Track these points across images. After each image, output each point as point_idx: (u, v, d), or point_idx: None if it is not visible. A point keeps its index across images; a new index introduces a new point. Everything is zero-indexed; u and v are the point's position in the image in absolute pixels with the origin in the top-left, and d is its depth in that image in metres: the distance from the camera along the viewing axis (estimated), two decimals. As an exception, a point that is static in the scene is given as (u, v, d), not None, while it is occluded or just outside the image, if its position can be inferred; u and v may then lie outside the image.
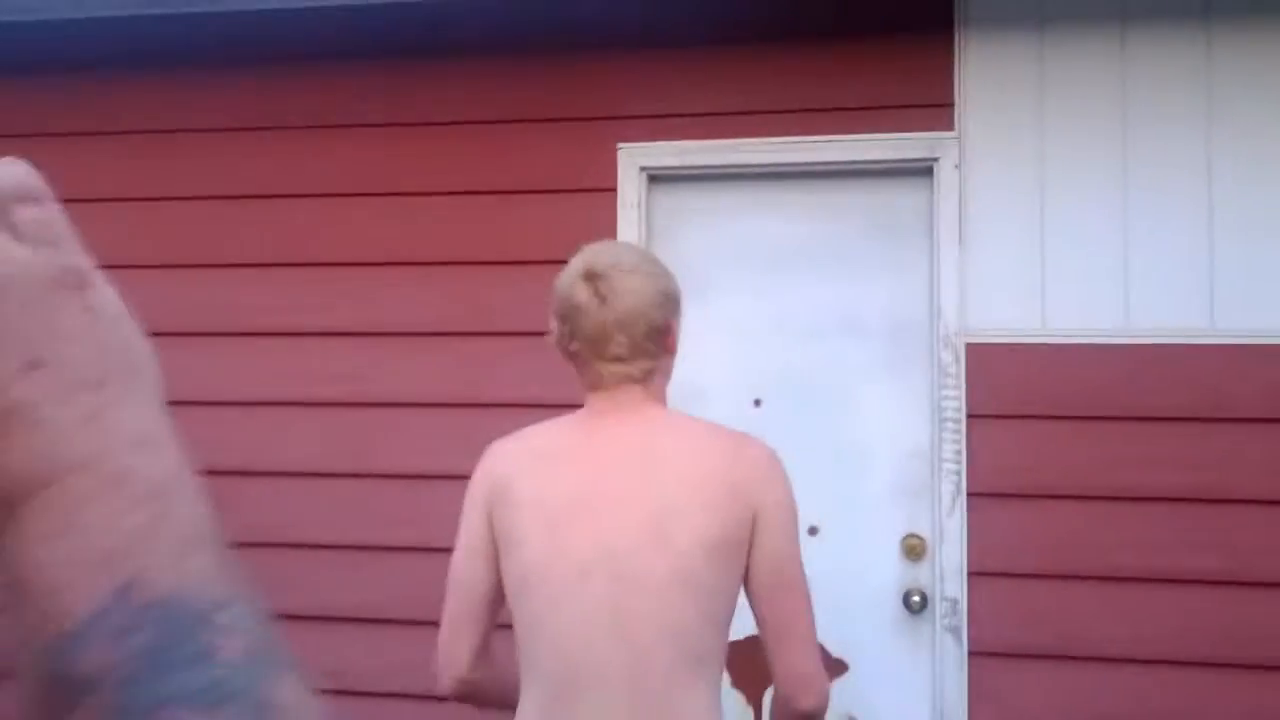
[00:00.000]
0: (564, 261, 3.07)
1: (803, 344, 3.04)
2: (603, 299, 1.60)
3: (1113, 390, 2.86)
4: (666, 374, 1.69)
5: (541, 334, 3.09)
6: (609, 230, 3.09)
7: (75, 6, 3.12)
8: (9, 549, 0.35)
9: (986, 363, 2.91)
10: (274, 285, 3.23)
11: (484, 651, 1.63)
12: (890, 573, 2.95)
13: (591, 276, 1.62)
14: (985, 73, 2.99)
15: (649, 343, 1.62)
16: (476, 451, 3.08)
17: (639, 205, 3.08)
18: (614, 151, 3.12)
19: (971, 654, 2.85)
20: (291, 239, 3.24)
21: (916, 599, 2.91)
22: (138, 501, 0.35)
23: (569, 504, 1.55)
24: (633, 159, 3.10)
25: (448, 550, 3.02)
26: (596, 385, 1.65)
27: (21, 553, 0.34)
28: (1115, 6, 2.94)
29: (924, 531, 2.95)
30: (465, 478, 3.09)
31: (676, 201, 3.14)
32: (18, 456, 0.35)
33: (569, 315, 1.64)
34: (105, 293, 0.40)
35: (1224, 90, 2.89)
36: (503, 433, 3.06)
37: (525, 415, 3.08)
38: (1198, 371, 2.83)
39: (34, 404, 0.35)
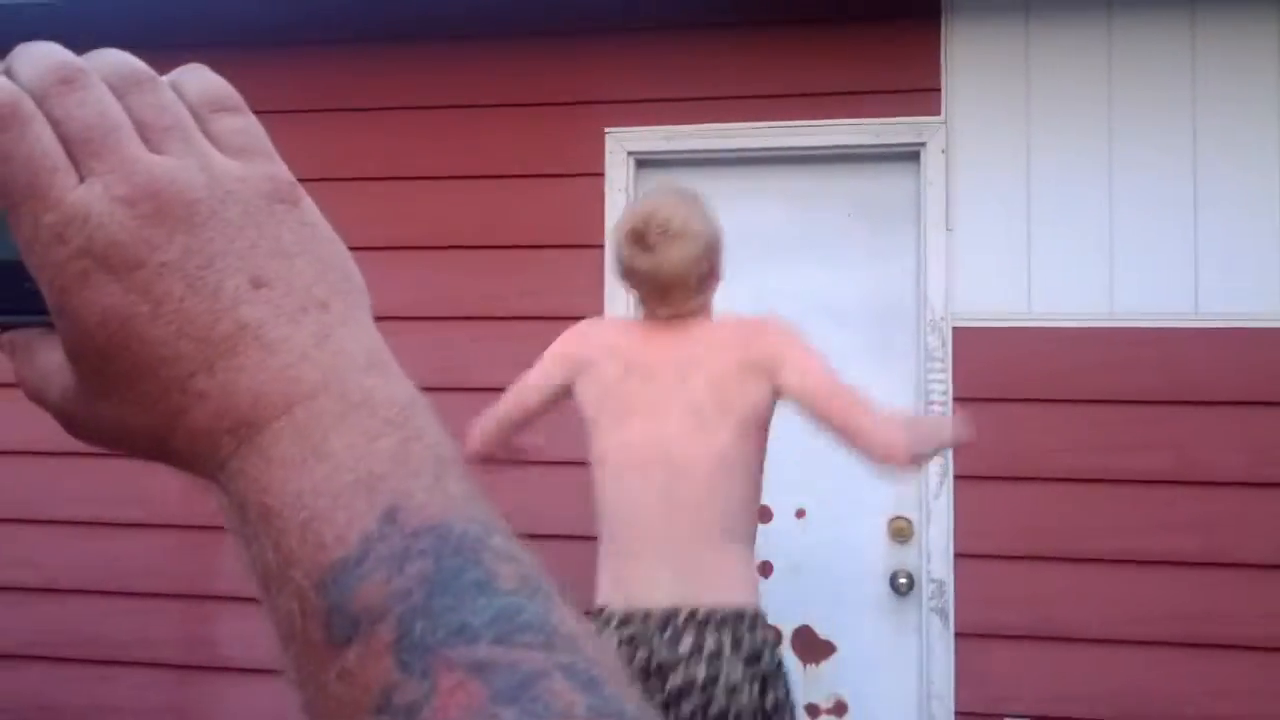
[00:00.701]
0: (553, 246, 3.09)
1: (790, 328, 3.05)
2: (655, 264, 1.98)
3: (1098, 373, 2.88)
4: (712, 294, 2.09)
5: (533, 318, 3.09)
6: (596, 215, 3.09)
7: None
8: (251, 475, 0.33)
9: (973, 346, 2.92)
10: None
11: (499, 438, 2.12)
12: (877, 555, 2.97)
13: (641, 241, 1.99)
14: (972, 58, 3.00)
15: (696, 290, 2.02)
16: (452, 437, 3.07)
17: (627, 190, 3.08)
18: (601, 136, 3.12)
19: (958, 635, 2.87)
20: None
21: (903, 581, 2.92)
22: (384, 424, 0.33)
23: (631, 401, 1.98)
24: (620, 143, 3.10)
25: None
26: (654, 314, 2.06)
27: (268, 479, 0.32)
28: (1101, -8, 2.96)
29: (910, 514, 2.96)
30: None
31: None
32: (253, 377, 0.33)
33: (626, 275, 2.05)
34: (314, 207, 0.38)
35: (1208, 76, 2.91)
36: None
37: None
38: (1181, 355, 2.85)
39: (263, 323, 0.33)
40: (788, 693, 1.97)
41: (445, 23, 3.22)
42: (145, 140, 0.34)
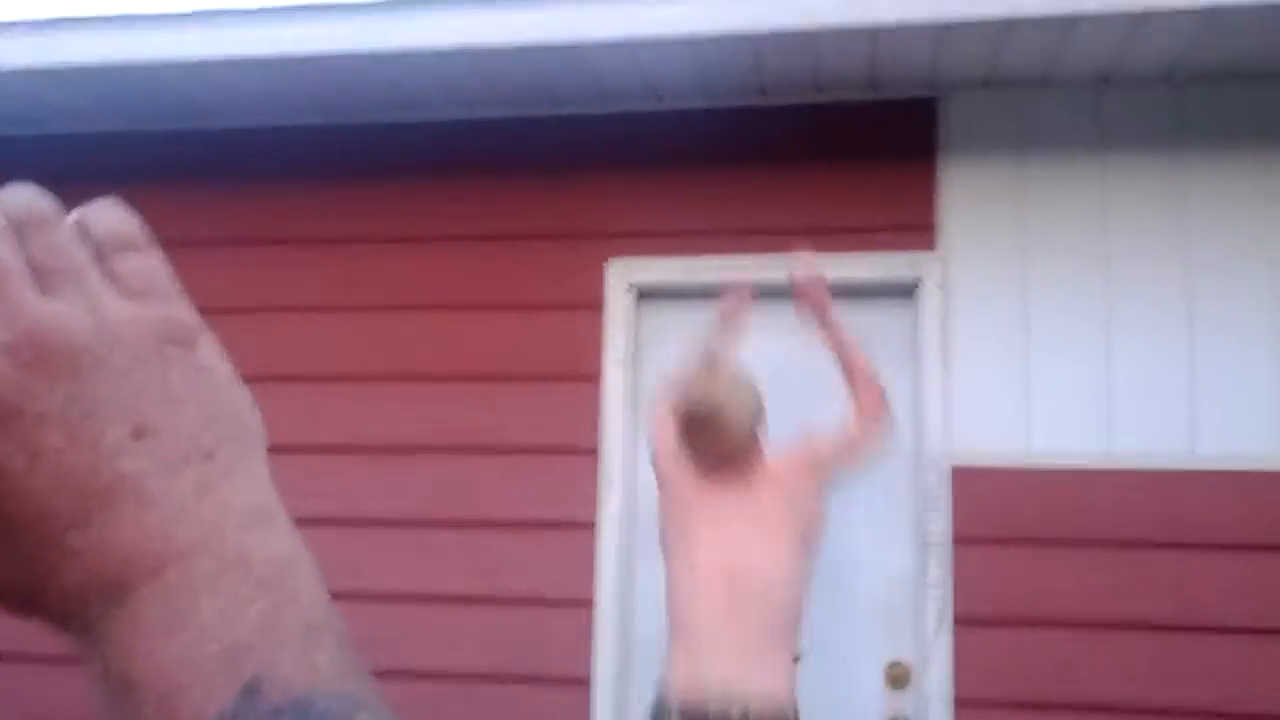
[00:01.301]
0: (553, 378, 3.09)
1: (787, 463, 3.02)
2: (723, 436, 2.37)
3: (1097, 516, 2.84)
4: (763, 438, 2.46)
5: (531, 451, 3.07)
6: (596, 346, 3.09)
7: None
8: (115, 640, 0.31)
9: (971, 486, 2.90)
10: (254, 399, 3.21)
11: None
12: (874, 701, 2.90)
13: (710, 419, 2.36)
14: (967, 195, 3.03)
15: (752, 448, 2.42)
16: (454, 571, 3.05)
17: (626, 322, 3.08)
18: (602, 267, 3.14)
19: (958, 786, 2.78)
20: (271, 353, 3.22)
21: (901, 728, 2.85)
22: (257, 586, 0.32)
23: (705, 510, 2.36)
24: (621, 275, 3.11)
25: (413, 674, 2.95)
26: (719, 468, 2.41)
27: (131, 646, 0.31)
28: (1094, 134, 3.01)
29: (908, 658, 2.90)
30: (441, 599, 3.04)
31: (665, 317, 3.15)
32: (127, 535, 0.32)
33: (696, 445, 2.39)
34: (213, 350, 0.37)
35: (1201, 216, 2.93)
36: (477, 552, 3.03)
37: (507, 534, 3.05)
38: (1180, 498, 2.82)
39: (143, 475, 0.32)
40: None
41: (449, 158, 3.26)
42: (39, 283, 0.33)
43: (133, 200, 0.36)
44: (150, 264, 0.36)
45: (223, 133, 3.38)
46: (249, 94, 3.17)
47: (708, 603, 2.27)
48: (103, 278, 0.35)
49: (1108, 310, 2.93)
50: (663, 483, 2.46)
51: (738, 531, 2.31)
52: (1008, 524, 2.87)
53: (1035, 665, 2.81)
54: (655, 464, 2.51)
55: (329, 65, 2.97)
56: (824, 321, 2.54)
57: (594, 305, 3.13)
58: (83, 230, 0.35)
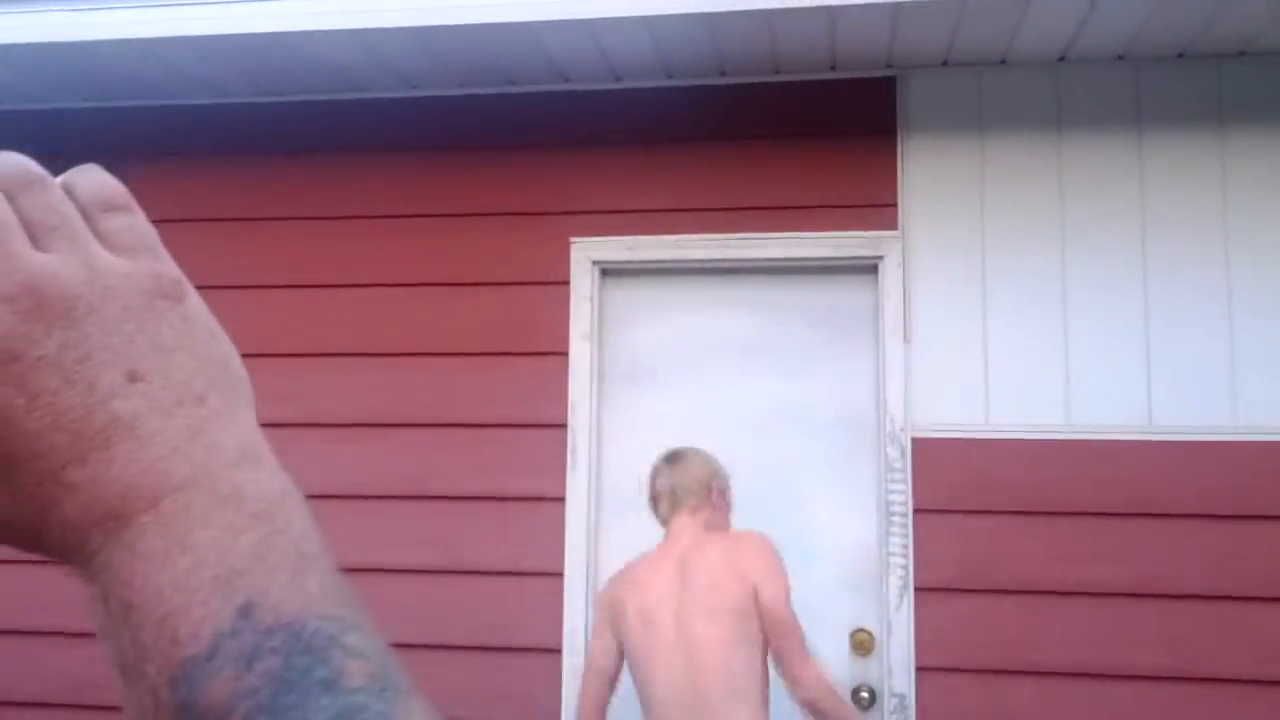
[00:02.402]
0: (519, 353, 3.12)
1: (751, 438, 3.07)
2: (671, 480, 2.55)
3: (1054, 485, 2.90)
4: (718, 511, 2.56)
5: (497, 425, 3.09)
6: (561, 322, 3.12)
7: None
8: (115, 569, 0.33)
9: (932, 458, 2.95)
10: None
11: (607, 705, 2.50)
12: (838, 668, 2.94)
13: (661, 471, 2.57)
14: (927, 173, 3.08)
15: (699, 498, 2.53)
16: (419, 544, 3.07)
17: (592, 298, 3.12)
18: (567, 245, 3.17)
19: (920, 751, 2.83)
20: (230, 330, 3.22)
21: (865, 695, 2.90)
22: (250, 518, 0.34)
23: (654, 609, 2.41)
24: (586, 253, 3.14)
25: (400, 645, 2.97)
26: (669, 521, 2.55)
27: (131, 573, 0.33)
28: (1052, 112, 3.06)
29: (872, 626, 2.95)
30: (398, 571, 3.06)
31: (628, 295, 3.19)
32: (122, 471, 0.34)
33: (653, 495, 2.58)
34: (199, 303, 0.39)
35: (1156, 193, 3.00)
36: (450, 527, 3.06)
37: (472, 508, 3.08)
38: (1136, 468, 2.88)
39: (137, 416, 0.34)
40: None
41: (414, 135, 3.28)
42: (32, 239, 0.35)
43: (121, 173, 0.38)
44: (136, 222, 0.38)
45: (180, 110, 3.38)
46: (199, 72, 3.17)
47: (669, 675, 2.36)
48: (92, 235, 0.36)
49: (1064, 285, 2.99)
50: (620, 598, 2.49)
51: (688, 615, 2.38)
52: (967, 494, 2.93)
53: (995, 632, 2.86)
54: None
55: (288, 43, 2.98)
56: None
57: (559, 282, 3.15)
58: (68, 193, 0.37)
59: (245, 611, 0.32)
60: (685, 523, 2.51)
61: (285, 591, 0.33)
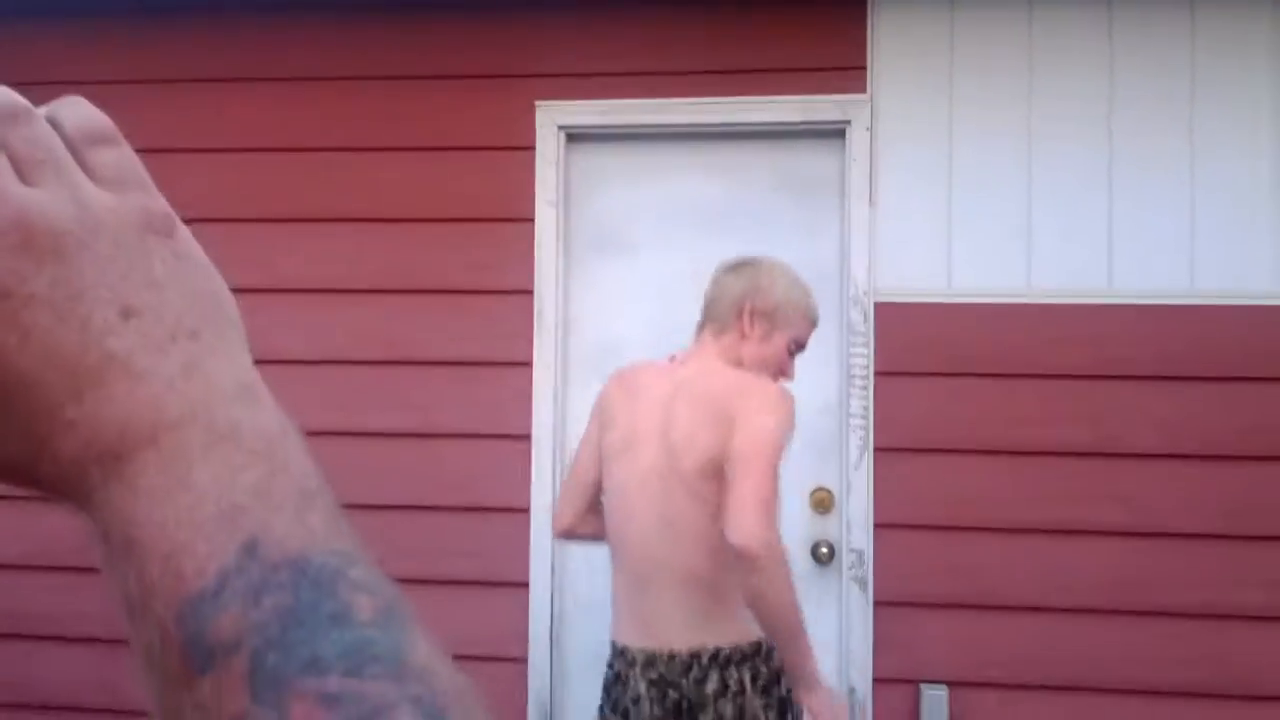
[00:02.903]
0: (484, 219, 3.11)
1: (718, 303, 3.09)
2: (711, 291, 2.24)
3: (1015, 349, 2.95)
4: (748, 342, 2.17)
5: (459, 292, 3.10)
6: (527, 188, 3.11)
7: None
8: (116, 506, 0.33)
9: (894, 321, 2.98)
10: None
11: (584, 513, 2.26)
12: (799, 525, 3.02)
13: (713, 279, 2.27)
14: (898, 37, 3.04)
15: (724, 321, 2.18)
16: (391, 407, 3.11)
17: (557, 163, 3.09)
18: (532, 109, 3.13)
19: (877, 604, 2.93)
20: (192, 194, 3.20)
21: (824, 551, 2.98)
22: (250, 455, 0.34)
23: (635, 435, 2.14)
24: (551, 117, 3.11)
25: (369, 506, 3.04)
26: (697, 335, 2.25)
27: (133, 510, 0.32)
28: (1023, -26, 3.01)
29: (832, 485, 3.02)
30: (382, 434, 3.11)
31: (594, 160, 3.16)
32: (119, 408, 0.33)
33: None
34: (189, 238, 0.38)
35: (1125, 59, 2.97)
36: (418, 392, 3.09)
37: (440, 371, 3.10)
38: (1096, 331, 2.93)
39: (132, 353, 0.34)
40: (796, 716, 2.09)
41: (375, -6, 3.21)
42: (18, 173, 0.34)
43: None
44: (123, 156, 0.37)
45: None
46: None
47: (645, 532, 2.11)
48: (80, 170, 0.36)
49: (1029, 151, 2.98)
50: (607, 402, 2.27)
51: (660, 450, 2.10)
52: (928, 357, 2.97)
53: (951, 491, 2.94)
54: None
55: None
56: None
57: (524, 147, 3.12)
58: (53, 125, 0.36)
59: (250, 548, 0.32)
60: (705, 344, 2.19)
61: (288, 528, 0.33)
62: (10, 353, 0.33)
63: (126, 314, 0.34)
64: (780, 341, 2.17)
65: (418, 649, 0.32)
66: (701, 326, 2.21)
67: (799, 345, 2.21)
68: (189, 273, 0.37)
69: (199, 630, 0.31)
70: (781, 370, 2.19)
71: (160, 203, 0.37)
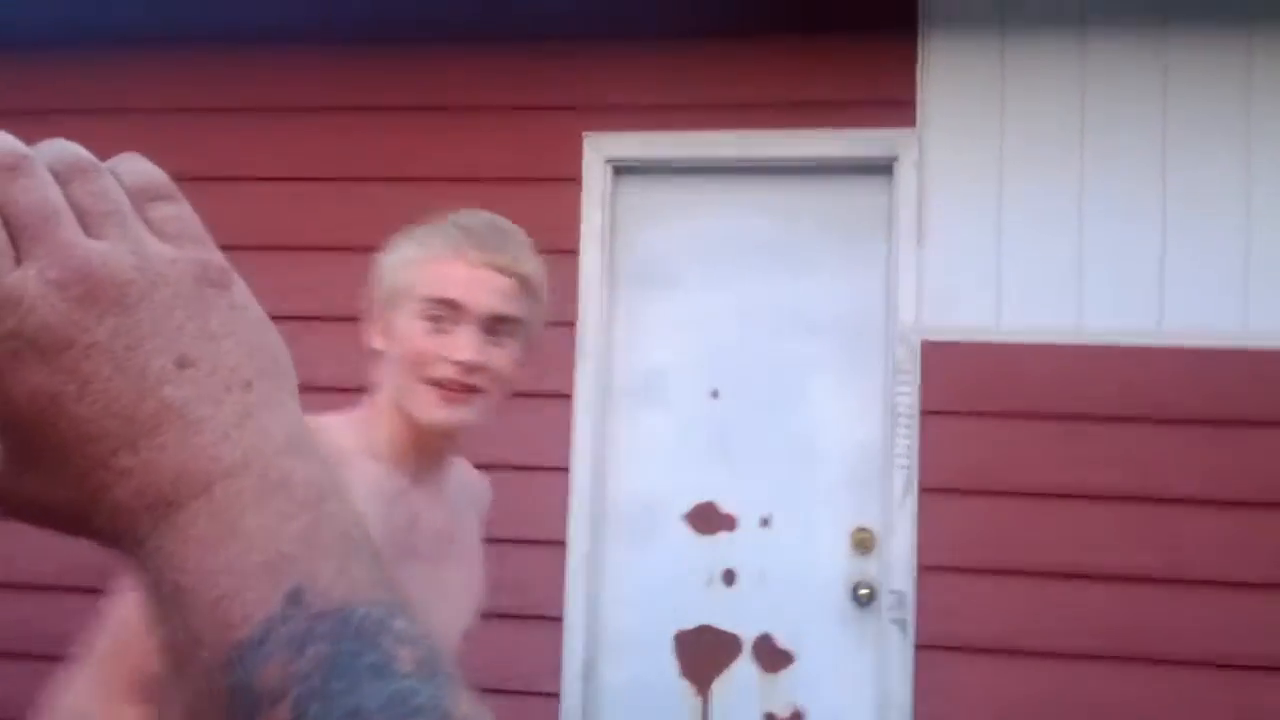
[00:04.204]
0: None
1: (762, 337, 3.07)
2: None
3: (1064, 390, 2.89)
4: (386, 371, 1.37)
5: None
6: (573, 220, 3.11)
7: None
8: (166, 553, 0.33)
9: (941, 360, 2.94)
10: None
11: None
12: (839, 565, 2.98)
13: None
14: (947, 71, 3.02)
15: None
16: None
17: (603, 196, 3.09)
18: (580, 141, 3.13)
19: (918, 647, 2.88)
20: (244, 223, 3.23)
21: (865, 592, 2.94)
22: (299, 506, 0.35)
23: None
24: (598, 149, 3.11)
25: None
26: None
27: (183, 557, 0.33)
28: (1075, 10, 2.98)
29: (874, 525, 2.98)
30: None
31: (641, 193, 3.16)
32: (173, 456, 0.34)
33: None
34: (245, 291, 0.39)
35: (1179, 94, 2.92)
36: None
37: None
38: (1146, 373, 2.87)
39: (187, 402, 0.34)
40: None
41: (425, 27, 3.23)
42: (84, 226, 0.35)
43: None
44: (182, 211, 0.38)
45: None
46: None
47: None
48: (142, 223, 0.37)
49: (1081, 188, 2.94)
50: None
51: None
52: (975, 397, 2.92)
53: (996, 533, 2.88)
54: None
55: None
56: None
57: (571, 179, 3.13)
58: (116, 179, 0.37)
59: (295, 597, 0.32)
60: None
61: (333, 578, 0.33)
62: (69, 401, 0.34)
63: (183, 364, 0.35)
64: (404, 320, 1.33)
65: (459, 701, 0.32)
66: None
67: (446, 303, 1.30)
68: (245, 325, 0.37)
69: (245, 679, 0.31)
70: (420, 359, 1.30)
71: (217, 256, 0.38)
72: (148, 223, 0.37)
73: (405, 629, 0.33)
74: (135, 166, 0.39)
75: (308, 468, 0.36)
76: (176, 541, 0.33)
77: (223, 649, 0.32)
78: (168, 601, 0.33)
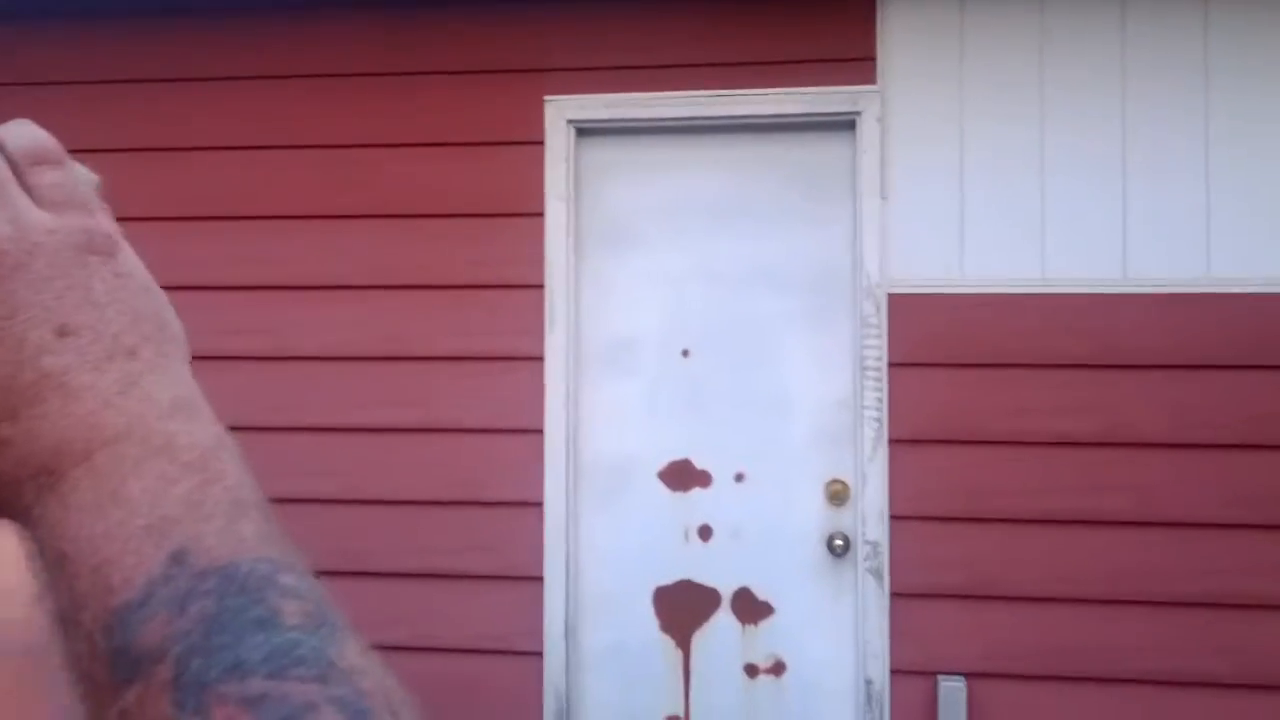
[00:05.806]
0: (493, 215, 3.10)
1: (730, 295, 3.08)
2: None
3: (1028, 339, 2.94)
4: None
5: (469, 287, 3.10)
6: (537, 183, 3.10)
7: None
8: (50, 522, 0.33)
9: (907, 313, 2.97)
10: (188, 239, 3.19)
11: None
12: (814, 518, 3.02)
13: None
14: (907, 27, 3.03)
15: None
16: (393, 403, 3.10)
17: (567, 158, 3.09)
18: (541, 104, 3.12)
19: (893, 595, 2.92)
20: (207, 192, 3.20)
21: (839, 543, 2.98)
22: (183, 468, 0.34)
23: None
24: (560, 111, 3.10)
25: (366, 502, 3.04)
26: None
27: (64, 525, 0.33)
28: (1033, -38, 3.00)
29: (847, 477, 3.01)
30: (382, 430, 3.10)
31: (604, 154, 3.15)
32: (54, 425, 0.34)
33: None
34: (132, 258, 0.39)
35: (1137, 48, 2.96)
36: (428, 387, 3.08)
37: (451, 367, 3.10)
38: (1110, 321, 2.92)
39: (67, 371, 0.34)
40: None
41: (383, -11, 3.20)
42: None
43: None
44: (67, 177, 0.38)
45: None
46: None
47: None
48: (21, 191, 0.36)
49: (1041, 140, 2.97)
50: None
51: None
52: (942, 348, 2.96)
53: (966, 482, 2.93)
54: None
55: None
56: None
57: (534, 142, 3.12)
58: (1, 147, 0.37)
59: (178, 557, 0.32)
60: None
61: (219, 537, 0.33)
62: None
63: (63, 333, 0.34)
64: None
65: (345, 651, 0.32)
66: None
67: None
68: (130, 292, 0.37)
69: (125, 640, 0.31)
70: None
71: (102, 223, 0.38)
72: (31, 189, 0.37)
73: (292, 584, 0.33)
74: (20, 132, 0.38)
75: (194, 431, 0.36)
76: (59, 510, 0.33)
77: (104, 613, 0.31)
78: (52, 570, 0.33)
